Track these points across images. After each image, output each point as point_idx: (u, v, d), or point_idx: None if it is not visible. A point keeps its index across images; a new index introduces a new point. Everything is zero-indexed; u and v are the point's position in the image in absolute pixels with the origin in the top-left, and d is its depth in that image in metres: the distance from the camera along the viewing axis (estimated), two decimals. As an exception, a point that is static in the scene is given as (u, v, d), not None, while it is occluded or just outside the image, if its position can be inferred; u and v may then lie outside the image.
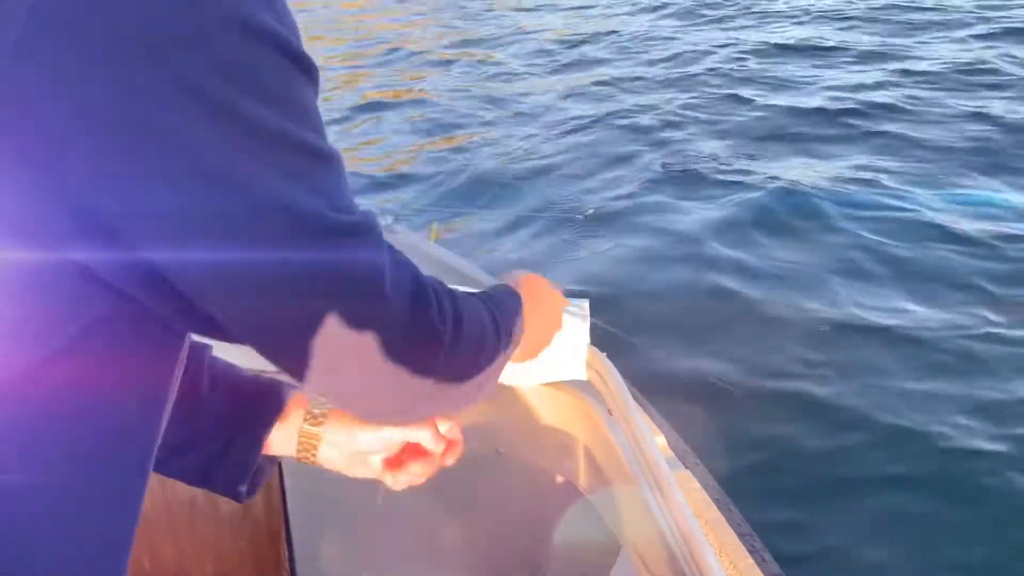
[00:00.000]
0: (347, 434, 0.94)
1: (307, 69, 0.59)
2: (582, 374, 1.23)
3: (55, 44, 0.49)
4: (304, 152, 0.58)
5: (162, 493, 1.32)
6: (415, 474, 0.96)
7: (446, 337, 0.70)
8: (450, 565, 1.48)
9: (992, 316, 3.47)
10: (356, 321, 0.62)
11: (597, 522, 1.36)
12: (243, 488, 0.92)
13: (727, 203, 4.63)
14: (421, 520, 1.41)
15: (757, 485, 2.62)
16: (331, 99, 7.33)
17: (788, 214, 4.44)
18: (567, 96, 6.90)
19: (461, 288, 0.79)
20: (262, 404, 0.93)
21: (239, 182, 0.54)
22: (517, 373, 1.17)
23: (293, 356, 0.63)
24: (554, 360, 1.18)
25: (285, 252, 0.57)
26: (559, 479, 1.43)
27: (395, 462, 0.97)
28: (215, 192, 0.54)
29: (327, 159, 0.60)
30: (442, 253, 1.91)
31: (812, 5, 9.02)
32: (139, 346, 0.62)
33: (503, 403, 1.39)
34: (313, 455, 0.95)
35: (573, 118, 6.26)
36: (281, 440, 0.94)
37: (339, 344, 0.62)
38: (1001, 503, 2.57)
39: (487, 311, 0.81)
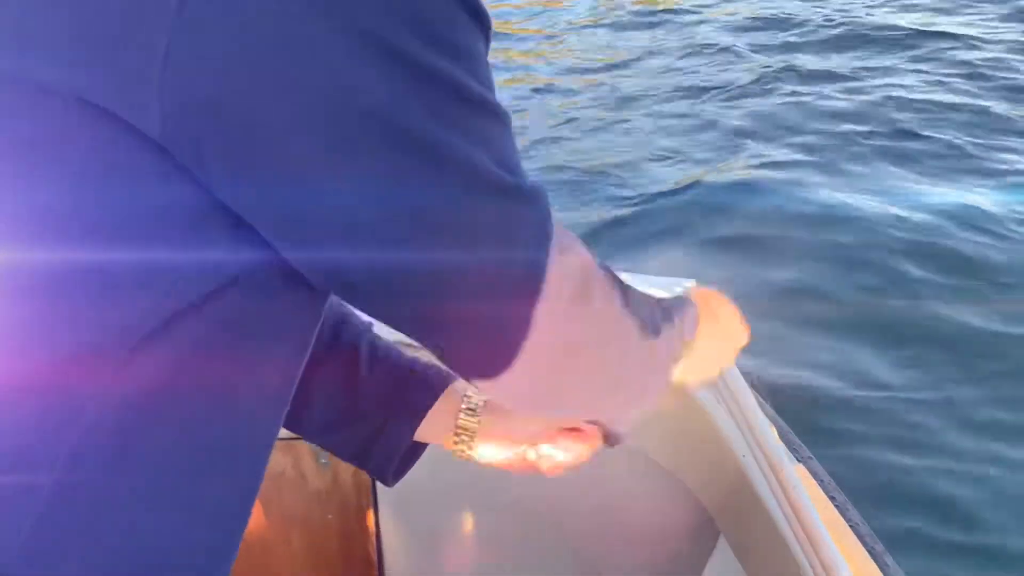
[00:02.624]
0: (505, 428, 0.89)
1: (480, 17, 0.54)
2: None
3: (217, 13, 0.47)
4: (474, 104, 0.52)
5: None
6: (573, 452, 0.90)
7: (616, 321, 0.64)
8: (538, 550, 1.42)
9: None
10: (519, 299, 0.55)
11: (695, 510, 1.30)
12: (390, 471, 0.90)
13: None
14: (513, 499, 1.36)
15: (875, 483, 2.47)
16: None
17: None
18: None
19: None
20: (418, 391, 0.89)
21: (404, 130, 0.50)
22: None
23: (443, 333, 0.57)
24: None
25: (448, 207, 0.52)
26: (659, 465, 1.35)
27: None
28: (378, 138, 0.49)
29: (497, 115, 0.54)
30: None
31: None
32: (270, 313, 0.59)
33: None
34: (468, 449, 0.90)
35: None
36: (434, 429, 0.90)
37: (497, 324, 0.55)
38: None
39: (656, 304, 0.73)
